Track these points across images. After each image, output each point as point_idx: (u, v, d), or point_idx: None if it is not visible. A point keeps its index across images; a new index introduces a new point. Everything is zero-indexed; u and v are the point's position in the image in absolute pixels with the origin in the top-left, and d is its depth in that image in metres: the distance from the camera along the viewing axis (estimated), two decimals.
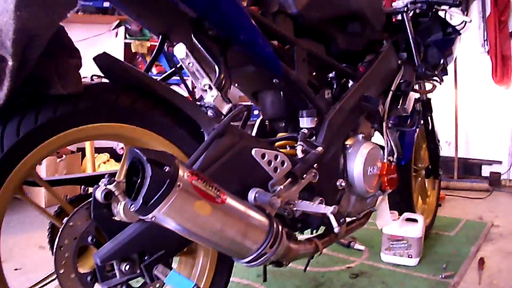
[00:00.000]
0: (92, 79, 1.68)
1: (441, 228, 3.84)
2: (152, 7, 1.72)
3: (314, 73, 2.21)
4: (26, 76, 1.33)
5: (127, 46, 6.00)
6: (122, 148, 5.56)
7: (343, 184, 2.16)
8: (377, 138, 2.50)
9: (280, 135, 2.22)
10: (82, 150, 5.00)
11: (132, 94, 1.62)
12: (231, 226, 1.47)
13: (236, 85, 2.24)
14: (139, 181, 1.28)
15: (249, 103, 3.34)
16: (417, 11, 2.87)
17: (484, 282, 2.82)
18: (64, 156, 4.91)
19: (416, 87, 2.98)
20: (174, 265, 1.92)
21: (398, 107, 2.55)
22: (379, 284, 2.77)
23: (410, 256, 3.04)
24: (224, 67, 1.75)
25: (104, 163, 5.38)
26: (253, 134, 2.34)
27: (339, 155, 2.18)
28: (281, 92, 2.17)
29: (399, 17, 2.76)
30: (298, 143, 1.97)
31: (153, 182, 1.25)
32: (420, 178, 3.59)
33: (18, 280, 2.72)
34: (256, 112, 4.70)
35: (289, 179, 1.82)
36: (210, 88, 1.68)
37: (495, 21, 5.60)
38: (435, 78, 3.06)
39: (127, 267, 1.49)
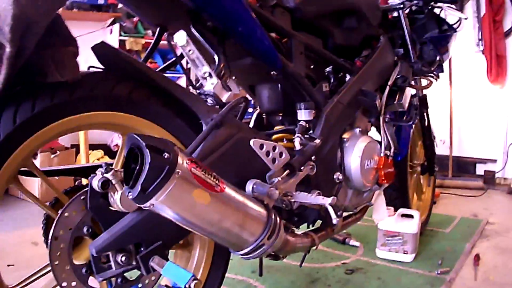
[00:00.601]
0: (88, 69, 1.66)
1: (436, 225, 3.84)
2: None
3: (311, 67, 2.21)
4: (22, 64, 1.32)
5: (121, 43, 5.99)
6: (116, 145, 5.56)
7: (340, 177, 2.15)
8: (374, 133, 2.50)
9: (277, 128, 2.22)
10: (76, 147, 4.98)
11: (129, 84, 1.61)
12: (229, 216, 1.46)
13: (234, 77, 2.23)
14: (137, 168, 1.27)
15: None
16: (413, 8, 2.87)
17: (480, 277, 2.82)
18: (58, 152, 4.90)
19: (412, 83, 2.98)
20: (171, 259, 1.92)
21: (395, 102, 2.55)
22: (375, 280, 2.76)
23: (405, 252, 3.03)
24: (223, 56, 1.74)
25: (98, 159, 5.36)
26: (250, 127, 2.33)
27: (336, 149, 2.17)
28: (279, 85, 2.16)
29: (395, 14, 2.76)
30: (296, 135, 1.97)
31: (152, 169, 1.24)
32: (415, 175, 3.59)
33: (11, 276, 2.70)
34: (250, 110, 4.69)
35: (287, 171, 1.81)
36: (210, 76, 1.68)
37: (489, 21, 5.62)
38: (431, 74, 3.05)
39: (123, 258, 1.49)
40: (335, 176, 2.14)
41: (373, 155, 2.30)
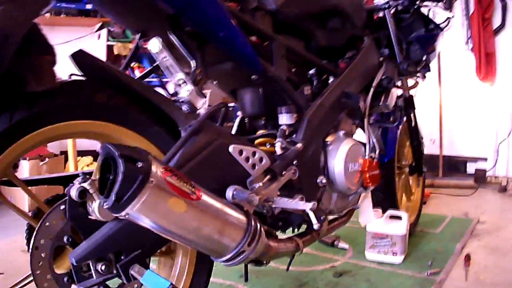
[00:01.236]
0: (70, 78, 1.66)
1: (426, 226, 3.83)
2: (130, 4, 1.71)
3: (293, 69, 2.20)
4: (0, 74, 1.31)
5: (109, 48, 6.02)
6: None
7: (324, 181, 2.14)
8: (361, 135, 2.49)
9: (259, 132, 2.21)
10: (65, 154, 4.98)
11: (108, 91, 1.61)
12: (207, 223, 1.45)
13: (215, 82, 2.23)
14: (111, 177, 1.26)
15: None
16: (399, 8, 2.86)
17: (470, 278, 2.81)
18: (47, 159, 4.89)
19: (399, 83, 2.98)
20: (154, 266, 1.91)
21: (380, 103, 2.55)
22: (364, 283, 2.75)
23: (394, 254, 3.02)
24: (201, 62, 1.73)
25: (88, 165, 5.36)
26: (233, 132, 2.33)
27: (319, 152, 2.16)
28: (260, 89, 2.15)
29: (381, 14, 2.76)
30: (277, 139, 1.96)
31: (125, 178, 1.23)
32: (404, 176, 3.58)
33: (1, 284, 2.70)
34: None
35: (268, 176, 1.81)
36: (185, 82, 1.67)
37: (478, 19, 5.62)
38: (418, 74, 3.05)
39: (103, 267, 1.47)
40: (318, 180, 2.13)
41: (358, 158, 2.29)
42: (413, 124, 3.44)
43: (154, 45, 1.65)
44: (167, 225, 1.37)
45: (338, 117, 2.31)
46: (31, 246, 1.50)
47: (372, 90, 2.49)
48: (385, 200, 3.24)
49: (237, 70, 1.99)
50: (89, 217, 1.48)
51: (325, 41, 2.37)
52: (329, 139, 2.22)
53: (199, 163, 1.61)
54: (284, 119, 2.04)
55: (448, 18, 3.00)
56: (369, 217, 2.63)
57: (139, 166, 1.26)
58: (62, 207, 1.52)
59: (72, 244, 1.55)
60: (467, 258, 3.06)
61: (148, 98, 1.65)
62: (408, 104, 3.34)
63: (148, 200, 1.27)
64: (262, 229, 1.62)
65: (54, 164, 4.98)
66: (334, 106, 2.25)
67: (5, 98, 1.42)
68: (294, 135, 2.06)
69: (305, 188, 2.02)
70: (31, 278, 1.56)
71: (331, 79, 2.35)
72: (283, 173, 1.87)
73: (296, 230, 2.16)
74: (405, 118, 3.37)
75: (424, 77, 3.10)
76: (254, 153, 1.75)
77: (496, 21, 5.69)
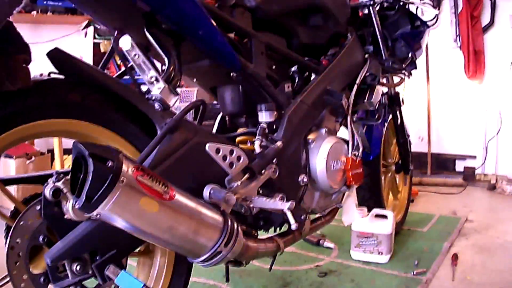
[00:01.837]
0: (49, 75, 1.64)
1: (413, 224, 3.82)
2: (107, 2, 1.69)
3: (274, 67, 2.18)
4: None
5: (96, 46, 6.01)
6: None
7: (305, 180, 2.12)
8: (345, 133, 2.48)
9: (240, 130, 2.19)
10: (52, 152, 4.95)
11: (83, 90, 1.59)
12: (181, 223, 1.43)
13: (195, 80, 2.21)
14: (81, 176, 1.24)
15: None
16: (385, 4, 2.86)
17: (457, 278, 2.80)
18: (33, 157, 4.86)
19: (384, 81, 2.96)
20: (134, 265, 1.90)
21: (365, 101, 2.53)
22: (348, 283, 2.74)
23: (380, 253, 3.01)
24: (175, 60, 1.71)
25: None
26: (214, 130, 2.31)
27: (300, 150, 2.14)
28: (239, 87, 2.13)
29: (366, 11, 2.74)
30: (256, 137, 1.95)
31: (95, 178, 1.21)
32: (390, 174, 3.57)
33: None
34: None
35: (247, 175, 1.79)
36: (157, 80, 1.64)
37: (467, 17, 5.63)
38: (404, 71, 3.04)
39: (79, 267, 1.46)
40: (299, 179, 2.10)
41: (340, 156, 2.27)
42: (399, 121, 3.42)
43: (125, 42, 1.63)
44: (140, 225, 1.36)
45: (320, 114, 2.29)
46: (6, 246, 1.48)
47: (355, 87, 2.48)
48: (371, 198, 3.23)
49: (216, 67, 1.97)
50: (64, 216, 1.47)
51: (307, 38, 2.36)
52: (311, 136, 2.20)
53: (175, 162, 1.59)
54: (264, 116, 2.02)
55: (436, 15, 3.00)
56: (353, 216, 2.61)
57: (109, 165, 1.24)
58: (38, 206, 1.50)
59: (48, 243, 1.52)
60: (455, 257, 3.05)
61: (124, 96, 1.63)
62: (394, 101, 3.33)
63: (119, 199, 1.25)
64: (239, 229, 1.60)
65: (41, 162, 4.95)
66: (316, 104, 2.22)
67: None
68: (274, 133, 2.04)
69: (286, 187, 2.00)
70: (8, 279, 1.54)
71: (313, 77, 2.33)
72: (263, 171, 1.85)
73: (278, 229, 2.14)
74: (391, 116, 3.36)
75: (410, 74, 3.09)
76: (231, 152, 1.73)
77: (485, 19, 5.71)
